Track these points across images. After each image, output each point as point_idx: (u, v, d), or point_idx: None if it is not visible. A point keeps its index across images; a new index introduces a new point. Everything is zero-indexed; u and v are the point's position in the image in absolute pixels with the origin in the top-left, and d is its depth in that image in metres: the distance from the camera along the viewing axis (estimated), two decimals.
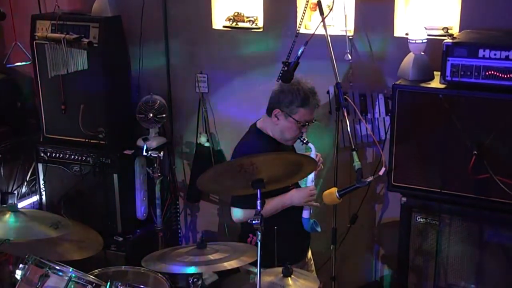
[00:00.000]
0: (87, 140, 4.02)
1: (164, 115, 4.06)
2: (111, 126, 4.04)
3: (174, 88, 4.26)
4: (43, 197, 4.28)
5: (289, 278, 2.65)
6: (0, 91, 4.39)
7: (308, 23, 3.79)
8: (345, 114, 3.03)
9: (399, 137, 3.17)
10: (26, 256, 2.76)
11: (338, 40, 3.49)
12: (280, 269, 2.68)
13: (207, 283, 3.59)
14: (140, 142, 4.05)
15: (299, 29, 3.33)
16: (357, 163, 2.90)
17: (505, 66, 2.86)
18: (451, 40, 2.99)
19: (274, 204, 2.97)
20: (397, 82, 3.18)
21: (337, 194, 2.92)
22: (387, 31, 3.55)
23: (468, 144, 2.94)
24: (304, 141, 3.04)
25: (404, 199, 3.23)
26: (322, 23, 3.12)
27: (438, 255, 3.19)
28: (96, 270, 3.05)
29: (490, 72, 2.90)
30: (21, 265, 2.75)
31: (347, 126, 3.01)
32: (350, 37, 3.58)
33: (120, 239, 4.07)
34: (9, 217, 2.99)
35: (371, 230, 3.91)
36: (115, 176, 4.02)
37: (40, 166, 4.22)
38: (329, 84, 3.51)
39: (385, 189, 3.72)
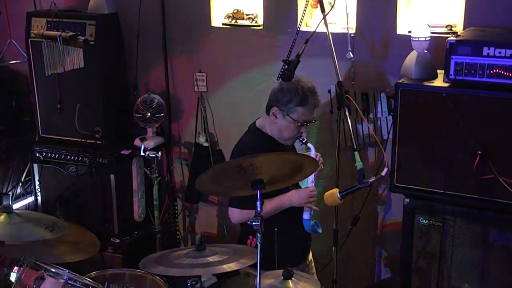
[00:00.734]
0: (83, 140, 4.02)
1: (162, 115, 4.06)
2: (108, 126, 4.04)
3: (172, 87, 4.26)
4: (39, 198, 4.29)
5: (289, 281, 2.65)
6: None
7: (309, 20, 3.79)
8: (347, 113, 3.03)
9: (402, 136, 3.17)
10: (21, 259, 2.76)
11: (339, 38, 3.49)
12: (280, 271, 2.68)
13: (205, 286, 3.58)
14: (137, 142, 4.05)
15: (299, 26, 3.33)
16: (359, 164, 2.90)
17: (510, 64, 2.86)
18: (455, 38, 2.99)
19: (273, 205, 2.97)
20: (400, 81, 3.18)
21: (339, 195, 2.92)
22: (390, 29, 3.56)
23: (472, 144, 2.94)
24: (303, 141, 3.05)
25: (407, 200, 3.23)
26: (323, 21, 3.12)
27: (442, 257, 3.19)
28: (93, 273, 3.05)
29: (494, 71, 2.90)
30: (16, 268, 2.75)
31: (348, 125, 3.00)
32: (352, 35, 3.58)
33: (117, 241, 4.07)
34: (3, 219, 2.99)
35: (373, 231, 3.91)
36: (112, 176, 4.02)
37: (35, 166, 4.22)
38: (331, 83, 3.51)
39: (388, 190, 3.72)
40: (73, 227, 3.16)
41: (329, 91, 3.60)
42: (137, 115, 4.04)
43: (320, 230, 3.10)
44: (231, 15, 4.00)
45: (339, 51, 3.26)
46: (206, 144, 4.16)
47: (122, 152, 4.04)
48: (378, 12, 3.56)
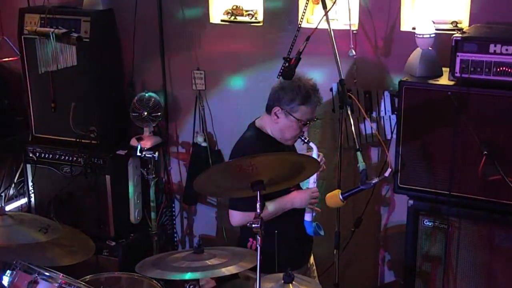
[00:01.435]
0: (78, 140, 4.02)
1: (159, 114, 4.06)
2: (104, 125, 4.04)
3: (169, 85, 4.26)
4: (32, 199, 4.28)
5: (290, 285, 2.64)
6: None
7: (310, 17, 3.79)
8: (349, 112, 3.03)
9: (406, 136, 3.17)
10: (14, 262, 2.75)
11: (341, 34, 3.49)
12: (281, 275, 2.68)
13: None
14: (133, 142, 4.04)
15: (300, 23, 3.32)
16: (361, 164, 2.90)
17: None
18: (460, 35, 2.99)
19: (274, 206, 2.97)
20: (404, 79, 3.18)
21: (341, 197, 2.92)
22: (393, 25, 3.56)
23: (478, 144, 2.94)
24: (305, 141, 3.04)
25: (411, 201, 3.23)
26: (325, 17, 3.12)
27: (447, 260, 3.19)
28: (88, 277, 3.05)
29: (501, 68, 2.90)
30: (8, 271, 2.74)
31: (351, 125, 3.00)
32: (354, 32, 3.58)
33: (113, 243, 4.07)
34: None
35: (376, 234, 3.91)
36: (108, 177, 4.02)
37: (28, 167, 4.22)
38: (333, 81, 3.50)
39: (391, 191, 3.72)
40: (67, 230, 3.15)
41: (331, 90, 3.60)
42: (133, 114, 4.04)
43: (322, 233, 3.10)
44: (230, 11, 4.00)
45: (341, 48, 3.26)
46: (204, 144, 4.16)
47: (118, 152, 4.04)
48: (381, 8, 3.56)
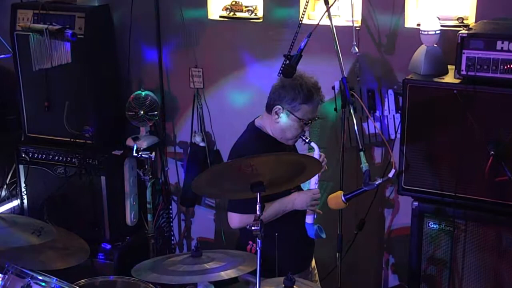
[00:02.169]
0: (72, 140, 4.02)
1: (156, 113, 4.06)
2: (99, 125, 4.04)
3: (166, 83, 4.26)
4: (25, 201, 4.28)
5: None
6: None
7: (312, 13, 3.79)
8: (352, 111, 3.03)
9: (410, 136, 3.17)
10: (6, 266, 2.75)
11: (344, 31, 3.49)
12: (281, 279, 2.68)
13: None
14: (130, 141, 4.04)
15: (302, 19, 3.33)
16: (364, 165, 2.90)
17: None
18: (466, 31, 2.99)
19: (274, 208, 2.97)
20: (408, 77, 3.18)
21: (343, 198, 2.92)
22: (397, 22, 3.56)
23: (485, 144, 2.94)
24: (307, 140, 3.04)
25: (415, 203, 3.23)
26: (327, 13, 3.12)
27: (453, 264, 3.19)
28: (82, 281, 3.05)
29: (509, 66, 2.90)
30: (0, 275, 2.74)
31: (354, 124, 3.01)
32: (357, 28, 3.58)
33: (108, 246, 4.07)
34: None
35: (379, 237, 3.91)
36: (103, 178, 4.02)
37: (21, 167, 4.21)
38: (335, 79, 3.50)
39: (395, 193, 3.72)
40: (61, 232, 3.15)
41: (333, 88, 3.60)
42: (129, 113, 4.04)
43: (324, 235, 3.10)
44: (229, 7, 4.00)
45: (344, 45, 3.26)
46: (202, 144, 4.16)
47: (114, 152, 4.04)
48: (385, 3, 3.56)
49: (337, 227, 3.38)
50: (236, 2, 3.99)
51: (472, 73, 2.97)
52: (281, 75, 3.00)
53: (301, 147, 3.27)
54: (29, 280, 2.70)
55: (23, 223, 3.10)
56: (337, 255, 3.39)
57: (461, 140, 3.02)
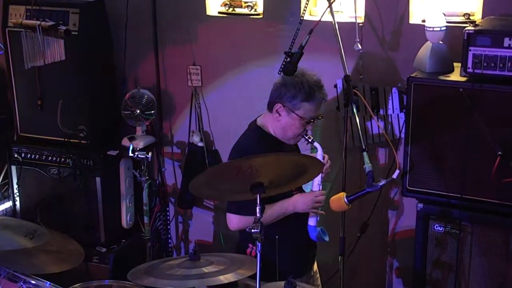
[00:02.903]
0: (66, 140, 4.02)
1: (152, 111, 4.06)
2: (93, 124, 4.04)
3: (163, 82, 4.26)
4: (17, 203, 4.28)
5: None
6: None
7: (314, 8, 3.79)
8: (355, 110, 3.03)
9: (415, 136, 3.17)
10: None
11: (346, 27, 3.49)
12: (282, 283, 2.68)
13: None
14: (125, 141, 4.05)
15: (303, 15, 3.33)
16: (368, 165, 2.90)
17: None
18: (473, 28, 2.99)
19: (275, 210, 2.97)
20: (413, 75, 3.18)
21: (346, 200, 2.92)
22: (402, 18, 3.56)
23: (492, 144, 2.94)
24: (309, 140, 3.04)
25: (420, 205, 3.23)
26: (329, 9, 3.12)
27: (459, 267, 3.19)
28: (77, 285, 3.05)
29: None
30: None
31: (357, 123, 3.00)
32: (360, 24, 3.58)
33: (104, 250, 4.07)
34: None
35: (383, 240, 3.91)
36: (98, 179, 4.02)
37: (13, 168, 4.22)
38: (337, 77, 3.51)
39: (399, 194, 3.72)
40: (55, 235, 3.15)
41: (336, 86, 3.61)
42: (125, 112, 4.04)
43: (326, 238, 3.10)
44: (228, 2, 4.00)
45: (346, 42, 3.26)
46: (200, 144, 4.16)
47: (109, 152, 4.04)
48: None
49: (339, 230, 3.38)
50: None
51: (479, 71, 2.97)
52: (282, 72, 3.00)
53: (304, 147, 3.26)
54: (21, 285, 2.71)
55: (16, 226, 3.10)
56: (339, 259, 3.38)
57: (468, 140, 3.02)
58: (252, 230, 2.45)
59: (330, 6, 3.13)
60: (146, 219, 3.97)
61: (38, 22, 3.83)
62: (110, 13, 4.13)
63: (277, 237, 2.80)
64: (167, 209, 4.45)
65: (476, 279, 3.18)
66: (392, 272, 3.94)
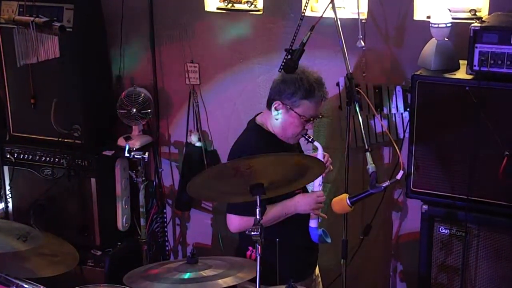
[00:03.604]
0: (60, 139, 4.02)
1: (149, 111, 4.06)
2: (88, 123, 4.04)
3: (160, 80, 4.26)
4: (9, 204, 4.28)
5: None
6: None
7: (315, 4, 3.79)
8: (358, 109, 3.03)
9: (420, 135, 3.17)
10: None
11: (349, 24, 3.49)
12: (283, 287, 2.68)
13: None
14: (121, 141, 4.05)
15: (304, 11, 3.33)
16: (371, 166, 2.90)
17: None
18: (479, 24, 2.99)
19: (275, 211, 2.97)
20: (417, 73, 3.18)
21: (348, 201, 2.92)
22: (406, 14, 3.56)
23: (499, 144, 2.94)
24: (310, 139, 3.04)
25: (425, 207, 3.23)
26: (331, 5, 3.12)
27: (465, 271, 3.19)
28: None
29: None
30: None
31: (359, 123, 3.00)
32: (363, 21, 3.58)
33: (99, 253, 4.07)
34: None
35: (387, 242, 3.91)
36: (93, 180, 4.02)
37: (5, 168, 4.22)
38: (339, 75, 3.51)
39: (403, 196, 3.72)
40: (48, 238, 3.15)
41: (338, 84, 3.60)
42: (121, 111, 4.04)
43: (329, 240, 3.10)
44: None
45: (349, 39, 3.26)
46: (198, 144, 4.16)
47: (104, 153, 4.04)
48: None
49: (341, 232, 3.38)
50: None
51: (485, 69, 2.97)
52: (282, 70, 3.00)
53: (304, 146, 3.27)
54: None
55: (8, 228, 3.10)
56: (341, 262, 3.38)
57: (474, 140, 3.02)
58: (252, 233, 2.45)
59: (332, 2, 3.13)
60: (142, 221, 3.97)
61: (32, 18, 3.83)
62: (106, 9, 4.13)
63: (277, 239, 2.80)
64: (164, 211, 4.45)
65: (482, 284, 3.18)
66: (396, 275, 3.95)
